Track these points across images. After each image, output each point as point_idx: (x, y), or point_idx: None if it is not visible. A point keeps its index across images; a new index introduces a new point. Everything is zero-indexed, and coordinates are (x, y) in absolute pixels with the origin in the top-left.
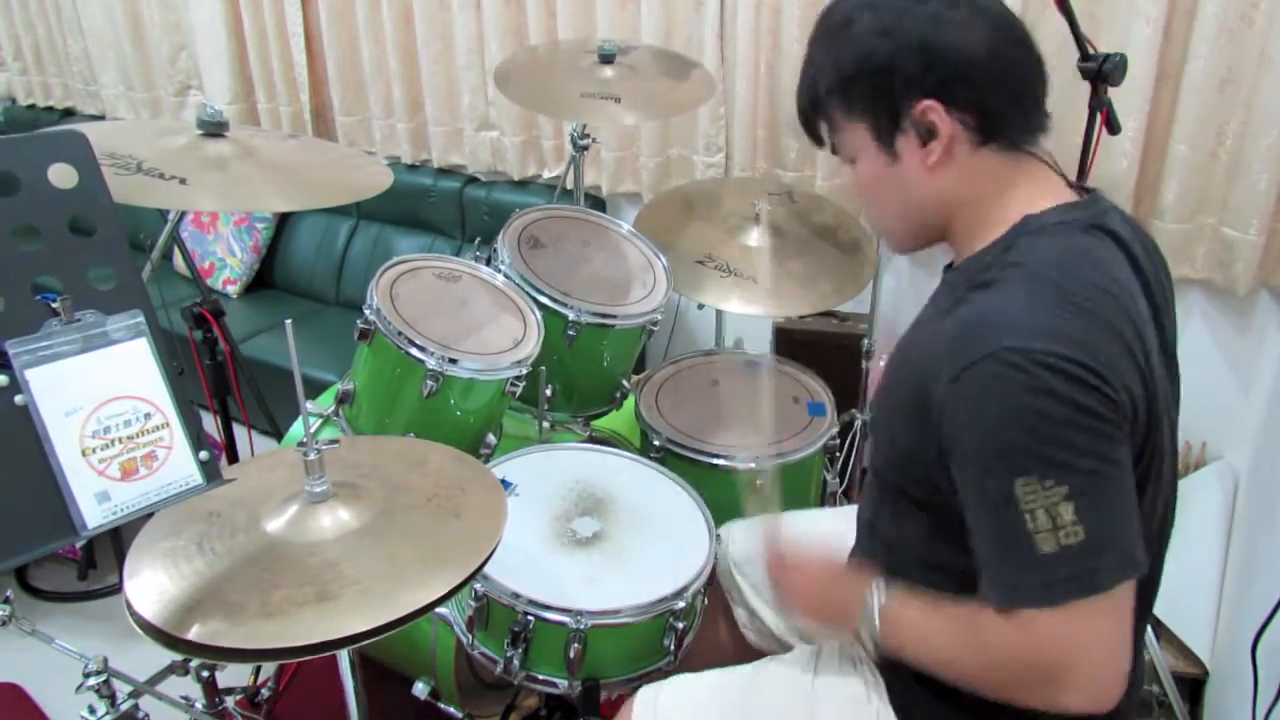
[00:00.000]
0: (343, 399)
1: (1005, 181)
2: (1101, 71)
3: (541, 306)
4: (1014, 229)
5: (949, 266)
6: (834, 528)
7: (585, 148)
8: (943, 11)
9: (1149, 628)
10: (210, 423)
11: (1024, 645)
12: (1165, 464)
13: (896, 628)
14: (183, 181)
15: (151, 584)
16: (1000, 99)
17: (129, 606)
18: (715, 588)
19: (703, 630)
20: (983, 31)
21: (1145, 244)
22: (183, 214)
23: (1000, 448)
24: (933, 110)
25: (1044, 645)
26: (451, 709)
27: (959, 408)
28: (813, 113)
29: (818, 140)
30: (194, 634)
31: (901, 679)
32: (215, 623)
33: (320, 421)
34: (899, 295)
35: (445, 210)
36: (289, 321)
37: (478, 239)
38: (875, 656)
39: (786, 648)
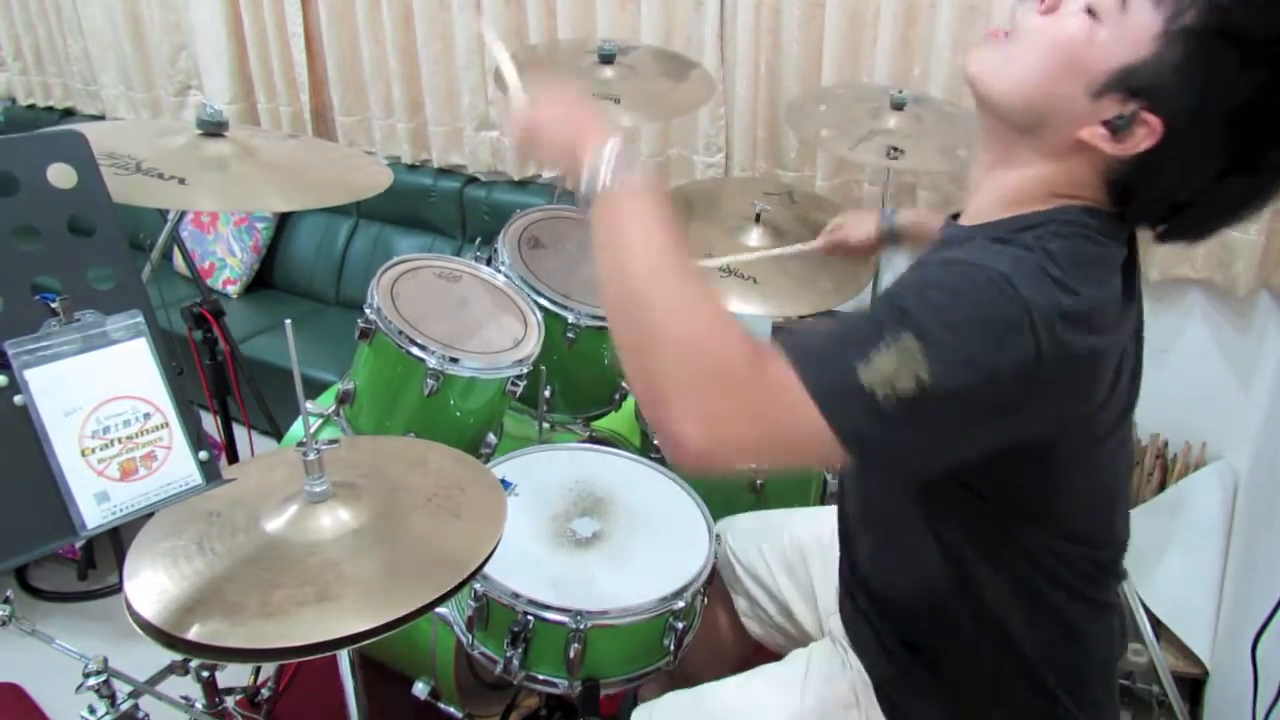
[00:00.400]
0: (343, 399)
1: (1088, 175)
2: None
3: (541, 307)
4: (1049, 212)
5: (954, 216)
6: (832, 527)
7: None
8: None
9: (1149, 628)
10: (210, 423)
11: (751, 369)
12: (1124, 465)
13: (629, 201)
14: (182, 181)
15: (151, 584)
16: (1172, 209)
17: (129, 606)
18: (715, 578)
19: (702, 620)
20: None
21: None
22: (182, 214)
23: (934, 305)
24: (1147, 122)
25: (774, 403)
26: (451, 709)
27: (930, 269)
28: None
29: None
30: (194, 634)
31: (890, 682)
32: (215, 623)
33: (320, 421)
34: None
35: (445, 210)
36: (288, 321)
37: (478, 239)
38: (584, 201)
39: (787, 636)
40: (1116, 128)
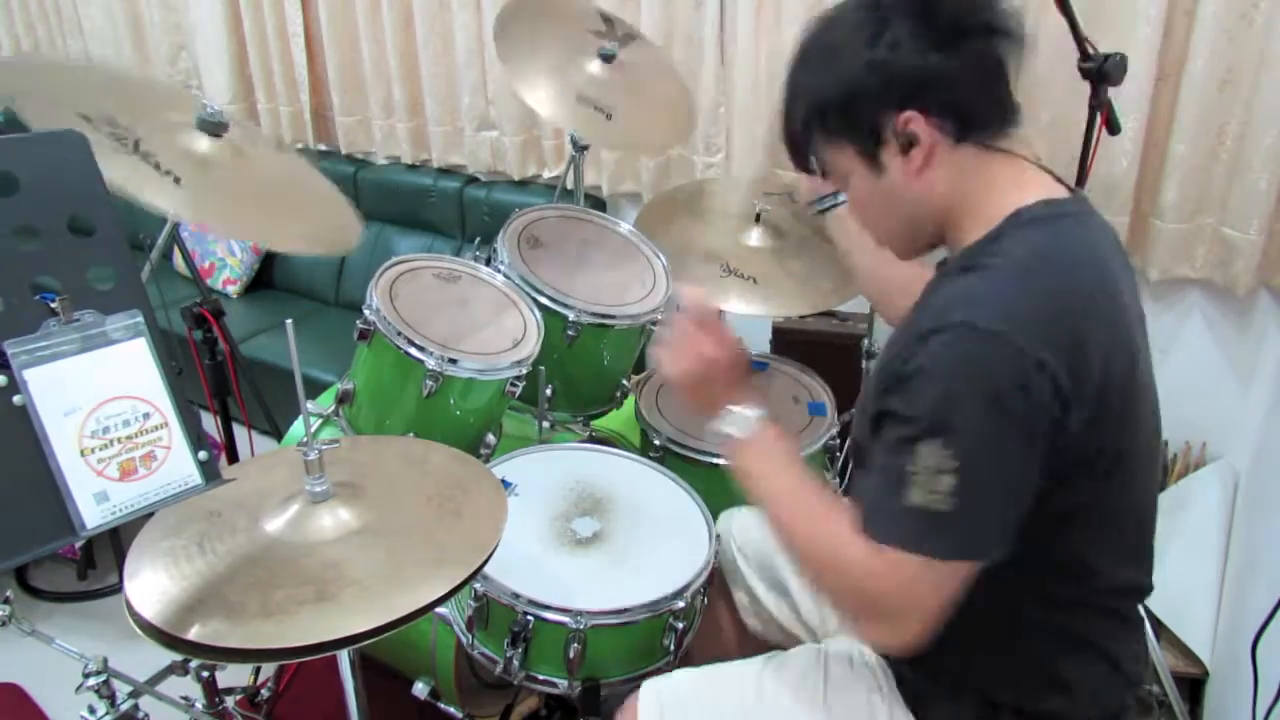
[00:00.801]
0: (343, 399)
1: (989, 175)
2: (1101, 71)
3: (541, 306)
4: (1004, 222)
5: (942, 263)
6: None
7: (585, 148)
8: (891, 29)
9: (1149, 628)
10: (210, 423)
11: (860, 564)
12: (1140, 465)
13: (769, 458)
14: (177, 181)
15: (152, 584)
16: (970, 96)
17: (129, 606)
18: (716, 573)
19: (703, 619)
20: (937, 35)
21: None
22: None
23: (930, 408)
24: (913, 121)
25: (872, 575)
26: (451, 709)
27: (918, 365)
28: (799, 144)
29: (808, 170)
30: (194, 634)
31: (914, 674)
32: (215, 623)
33: (320, 421)
34: None
35: (445, 210)
36: (289, 321)
37: (478, 239)
38: (728, 454)
39: (786, 634)
40: (907, 147)
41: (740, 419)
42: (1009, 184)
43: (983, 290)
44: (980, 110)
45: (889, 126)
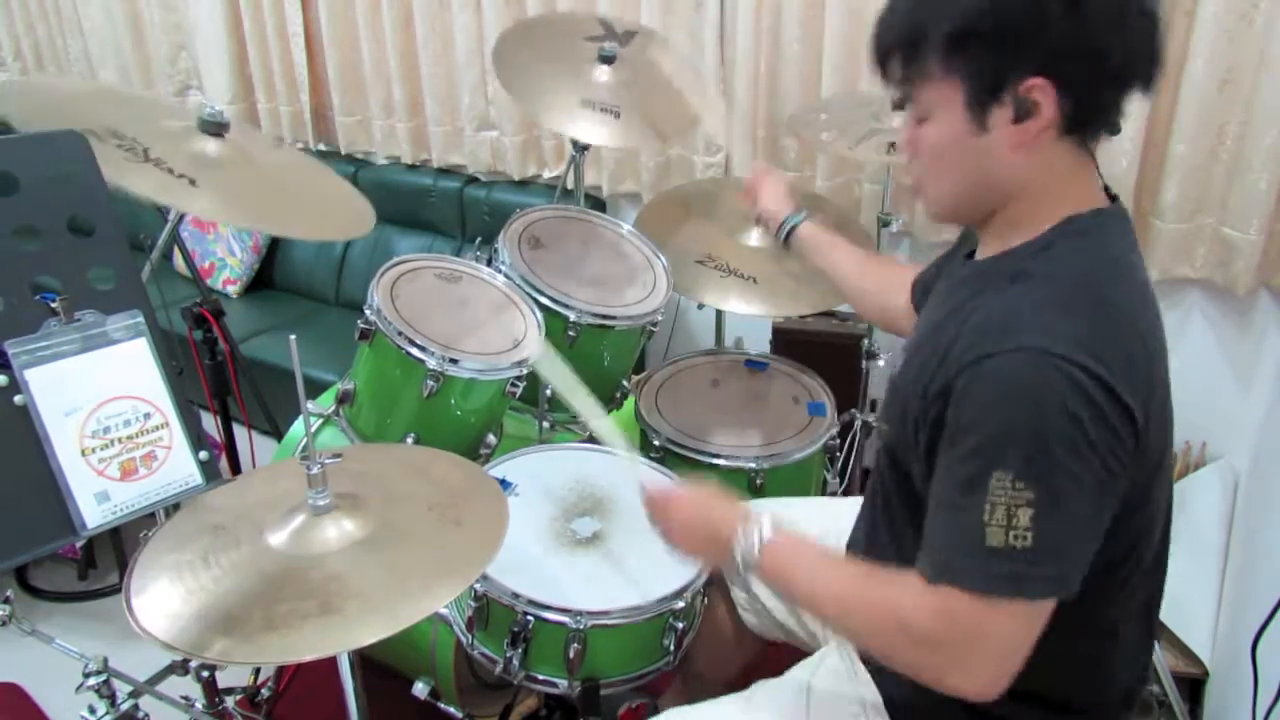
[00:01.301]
0: (343, 399)
1: (1066, 178)
2: None
3: (542, 307)
4: (1056, 228)
5: (969, 255)
6: (842, 522)
7: (585, 148)
8: None
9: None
10: (210, 423)
11: (940, 620)
12: (1166, 476)
13: (785, 558)
14: (193, 183)
15: (157, 599)
16: (1116, 89)
17: (136, 623)
18: (715, 572)
19: (704, 618)
20: (1112, 12)
21: None
22: (183, 214)
23: (995, 435)
24: (1042, 90)
25: (957, 626)
26: (451, 709)
27: (966, 389)
28: (904, 55)
29: (891, 83)
30: (199, 649)
31: (902, 701)
32: (220, 637)
33: (320, 421)
34: None
35: (445, 210)
36: (293, 337)
37: (478, 239)
38: (745, 580)
39: (785, 630)
40: (1022, 115)
41: (752, 533)
42: (1077, 189)
43: (1039, 309)
44: (1105, 108)
45: (1012, 86)
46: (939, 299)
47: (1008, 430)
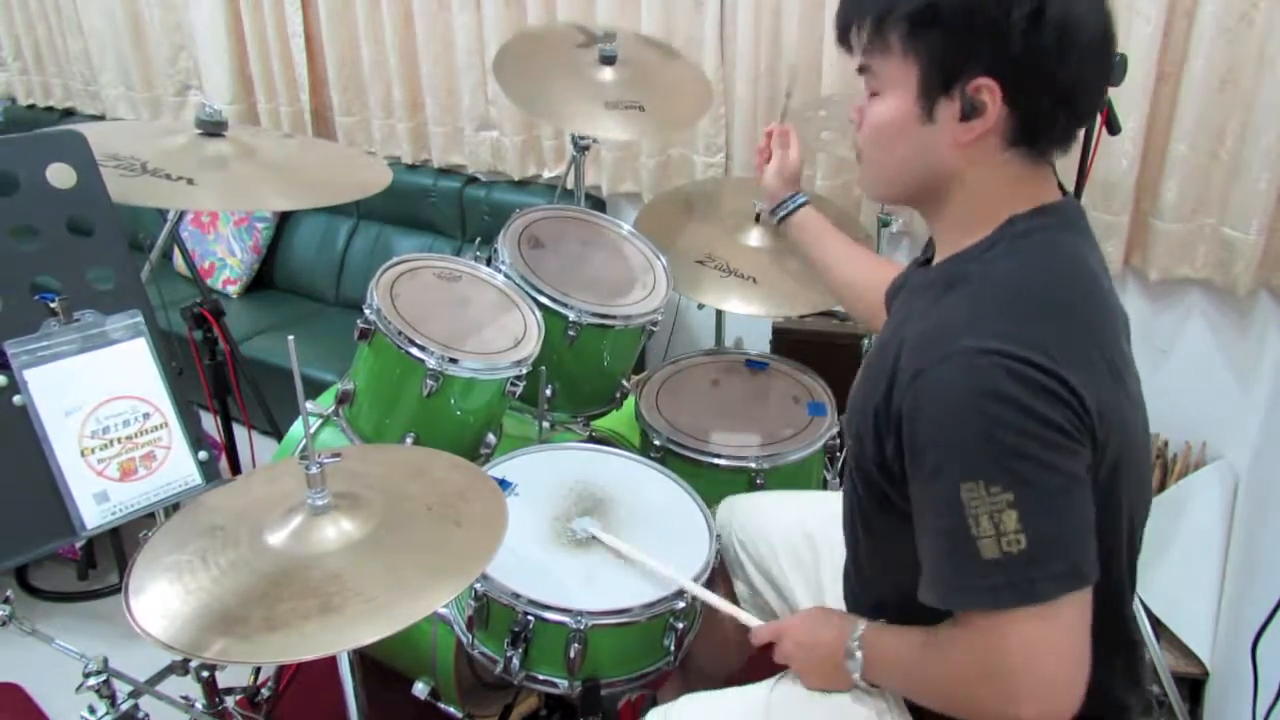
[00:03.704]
0: (343, 399)
1: (1014, 186)
2: None
3: (542, 307)
4: (999, 229)
5: (925, 262)
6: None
7: (585, 148)
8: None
9: (1149, 628)
10: (210, 423)
11: (973, 648)
12: (1133, 472)
13: (877, 656)
14: (190, 182)
15: (156, 599)
16: (1061, 113)
17: (135, 623)
18: (716, 571)
19: (705, 616)
20: (1093, 35)
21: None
22: (182, 214)
23: (949, 450)
24: (989, 91)
25: (991, 650)
26: (451, 709)
27: (915, 406)
28: (871, 19)
29: (850, 47)
30: (198, 649)
31: None
32: (219, 637)
33: (320, 421)
34: None
35: (445, 210)
36: (292, 337)
37: (478, 239)
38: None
39: None
40: (968, 113)
41: (851, 646)
42: (1025, 196)
43: (970, 312)
44: (1052, 126)
45: (963, 81)
46: (896, 306)
47: (958, 440)
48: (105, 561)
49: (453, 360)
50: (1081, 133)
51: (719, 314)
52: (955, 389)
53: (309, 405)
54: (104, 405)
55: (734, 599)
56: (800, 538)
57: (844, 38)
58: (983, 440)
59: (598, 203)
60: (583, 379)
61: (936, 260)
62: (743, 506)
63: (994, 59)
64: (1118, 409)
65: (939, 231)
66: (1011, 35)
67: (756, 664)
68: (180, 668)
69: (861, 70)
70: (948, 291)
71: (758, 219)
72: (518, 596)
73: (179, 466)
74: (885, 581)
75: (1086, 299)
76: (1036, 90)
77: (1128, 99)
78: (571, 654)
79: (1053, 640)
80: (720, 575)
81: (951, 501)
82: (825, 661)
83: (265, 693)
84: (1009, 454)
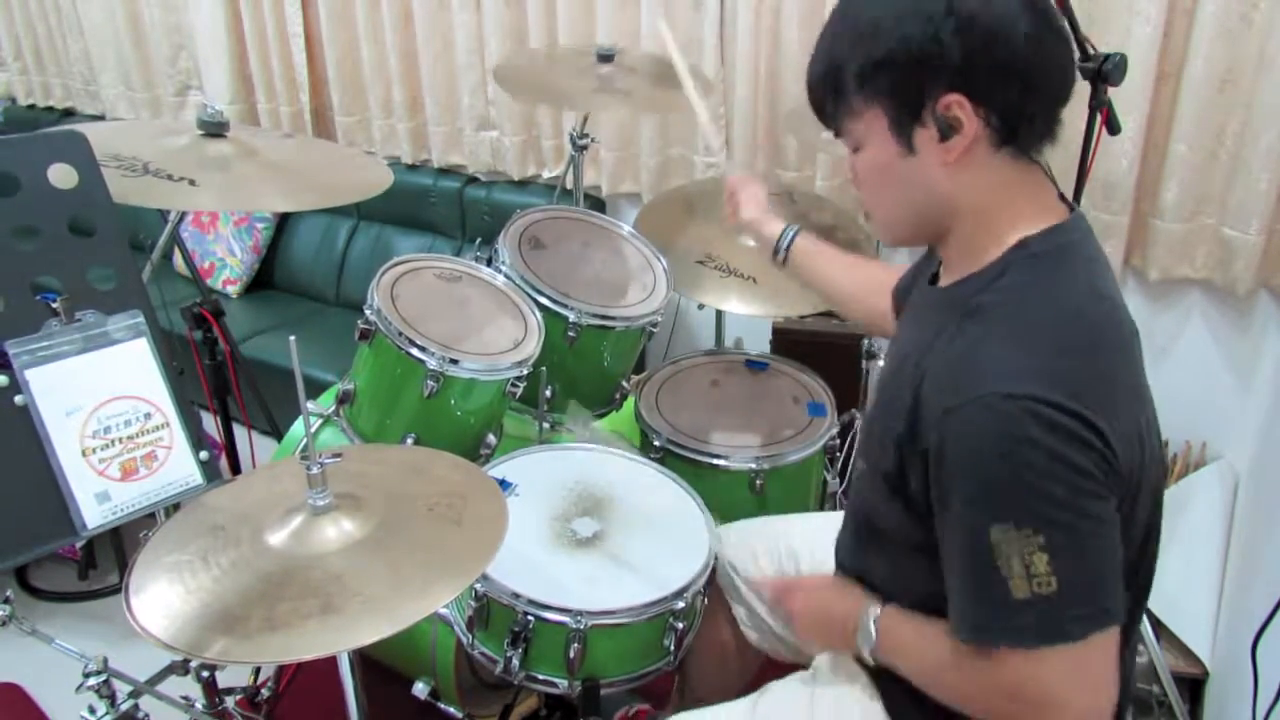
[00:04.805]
0: (343, 399)
1: (1012, 191)
2: (1101, 71)
3: (542, 308)
4: (1010, 252)
5: (933, 280)
6: (829, 538)
7: (585, 147)
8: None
9: (1149, 628)
10: (210, 423)
11: (1003, 682)
12: (1149, 496)
13: (891, 641)
14: (192, 183)
15: (157, 599)
16: (1033, 100)
17: (136, 623)
18: (715, 586)
19: (704, 628)
20: (1027, 21)
21: None
22: (183, 214)
23: (980, 492)
24: (959, 105)
25: (1023, 685)
26: (451, 709)
27: (944, 445)
28: (828, 92)
29: (825, 120)
30: (198, 649)
31: (899, 691)
32: (220, 637)
33: (320, 421)
34: None
35: (445, 210)
36: (292, 338)
37: (478, 239)
38: (873, 665)
39: (788, 645)
40: (946, 133)
41: (868, 621)
42: (1027, 204)
43: (995, 350)
44: (1031, 118)
45: (930, 106)
46: (906, 320)
47: (989, 484)
48: (105, 561)
49: (453, 361)
50: (1081, 132)
51: (719, 314)
52: (986, 433)
53: (309, 405)
54: (105, 405)
55: (733, 623)
56: (788, 558)
57: (822, 118)
58: (1014, 484)
59: (598, 203)
60: (583, 380)
61: (945, 279)
62: (733, 534)
63: (947, 76)
64: (1139, 440)
65: (950, 258)
66: (948, 50)
67: (756, 687)
68: (180, 668)
69: (838, 135)
70: (966, 321)
71: (743, 228)
72: (518, 596)
73: (180, 466)
74: (897, 594)
75: (1106, 328)
76: (999, 84)
77: (1128, 99)
78: (571, 654)
79: (1084, 676)
80: (719, 600)
81: (980, 544)
82: (834, 624)
83: (265, 693)
84: (1040, 498)
